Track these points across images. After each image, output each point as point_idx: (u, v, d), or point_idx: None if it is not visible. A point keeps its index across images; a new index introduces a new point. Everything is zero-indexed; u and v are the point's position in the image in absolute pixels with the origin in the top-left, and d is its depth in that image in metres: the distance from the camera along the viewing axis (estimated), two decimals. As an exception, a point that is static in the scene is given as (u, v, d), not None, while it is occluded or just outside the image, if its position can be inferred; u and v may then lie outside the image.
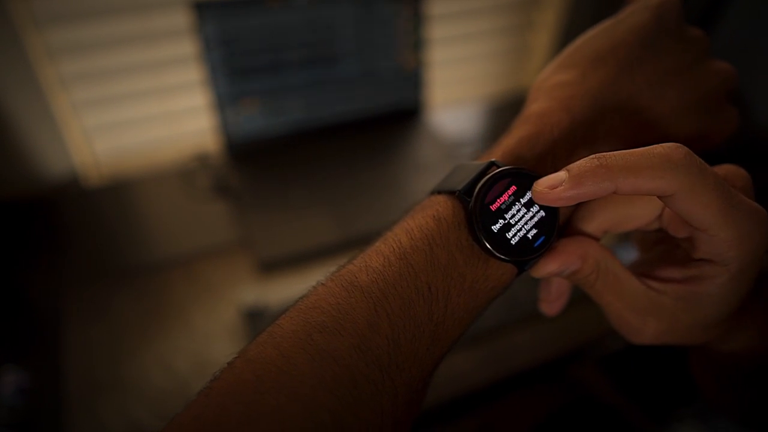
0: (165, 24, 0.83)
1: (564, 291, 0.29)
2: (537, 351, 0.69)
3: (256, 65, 0.87)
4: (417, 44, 0.96)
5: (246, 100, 0.89)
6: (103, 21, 0.80)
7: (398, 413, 0.22)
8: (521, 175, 0.24)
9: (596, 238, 0.26)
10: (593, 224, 0.26)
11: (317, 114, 0.96)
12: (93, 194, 0.87)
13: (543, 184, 0.22)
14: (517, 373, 0.68)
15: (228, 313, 0.70)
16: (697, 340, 0.26)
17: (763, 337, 0.27)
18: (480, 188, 0.23)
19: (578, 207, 0.27)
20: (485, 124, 1.10)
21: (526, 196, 0.24)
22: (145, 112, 0.90)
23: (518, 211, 0.24)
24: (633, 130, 0.27)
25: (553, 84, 0.27)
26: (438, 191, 0.26)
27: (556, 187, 0.21)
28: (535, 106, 0.27)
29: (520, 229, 0.23)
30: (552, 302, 0.29)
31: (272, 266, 0.75)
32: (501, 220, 0.23)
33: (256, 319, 0.68)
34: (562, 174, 0.21)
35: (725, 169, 0.25)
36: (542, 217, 0.24)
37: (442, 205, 0.24)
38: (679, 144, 0.20)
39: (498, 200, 0.23)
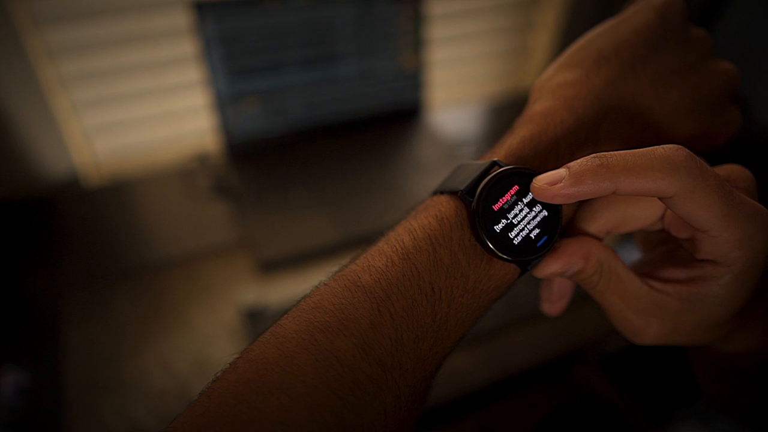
0: (165, 24, 0.83)
1: (566, 291, 0.29)
2: (537, 351, 0.69)
3: (256, 65, 0.87)
4: (417, 44, 0.96)
5: (246, 100, 0.89)
6: (103, 21, 0.80)
7: (401, 413, 0.22)
8: (524, 175, 0.24)
9: (599, 239, 0.26)
10: (596, 225, 0.26)
11: (317, 114, 0.96)
12: (93, 194, 0.87)
13: (543, 180, 0.22)
14: (517, 373, 0.68)
15: (228, 313, 0.70)
16: (699, 340, 0.26)
17: (765, 338, 0.27)
18: (482, 188, 0.23)
19: (580, 207, 0.27)
20: (485, 124, 1.10)
21: (528, 196, 0.24)
22: (145, 112, 0.90)
23: (521, 210, 0.23)
24: (636, 129, 0.26)
25: (556, 83, 0.27)
26: (440, 191, 0.26)
27: (556, 184, 0.21)
28: (538, 106, 0.27)
29: (523, 229, 0.23)
30: (554, 302, 0.29)
31: (272, 266, 0.75)
32: (503, 220, 0.23)
33: (256, 319, 0.67)
34: (562, 171, 0.21)
35: (728, 169, 0.24)
36: (545, 216, 0.24)
37: (444, 205, 0.24)
38: (680, 146, 0.20)
39: (500, 200, 0.23)
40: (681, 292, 0.24)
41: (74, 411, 0.60)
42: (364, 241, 0.25)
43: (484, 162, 0.25)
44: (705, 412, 0.78)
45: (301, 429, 0.19)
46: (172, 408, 0.60)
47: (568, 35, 1.13)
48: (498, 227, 0.23)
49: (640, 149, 0.21)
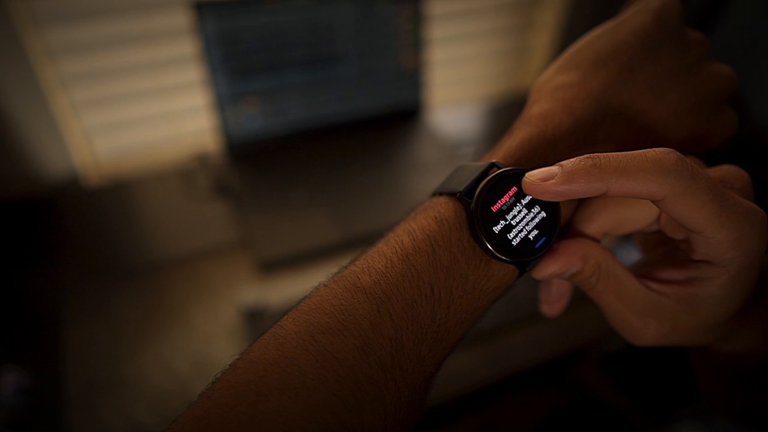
0: (165, 24, 0.83)
1: (564, 292, 0.29)
2: (537, 351, 0.69)
3: (256, 65, 0.87)
4: (417, 44, 0.96)
5: (246, 100, 0.89)
6: (103, 21, 0.80)
7: (401, 414, 0.22)
8: (522, 177, 0.24)
9: (597, 240, 0.26)
10: (593, 226, 0.26)
11: (317, 114, 0.96)
12: (93, 194, 0.87)
13: (534, 175, 0.22)
14: (517, 373, 0.68)
15: (228, 313, 0.70)
16: (698, 341, 0.26)
17: (765, 338, 0.27)
18: (481, 189, 0.23)
19: (578, 209, 0.27)
20: (485, 124, 1.10)
21: (527, 198, 0.24)
22: (145, 112, 0.90)
23: (519, 212, 0.24)
24: (634, 131, 0.27)
25: (554, 85, 0.27)
26: (439, 192, 0.26)
27: (548, 180, 0.22)
28: (536, 108, 0.27)
29: (521, 230, 0.24)
30: (553, 303, 0.29)
31: (272, 266, 0.75)
32: (502, 221, 0.23)
33: (256, 319, 0.68)
34: (554, 168, 0.22)
35: (724, 170, 0.25)
36: (543, 218, 0.24)
37: (443, 206, 0.25)
38: (671, 149, 0.21)
39: (499, 201, 0.23)
40: (678, 293, 0.24)
41: (74, 411, 0.60)
42: (364, 241, 0.25)
43: (483, 163, 0.25)
44: (705, 412, 0.78)
45: (302, 430, 0.19)
46: (172, 408, 0.60)
47: (568, 35, 1.13)
48: (496, 228, 0.23)
49: (633, 152, 0.21)
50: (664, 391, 0.89)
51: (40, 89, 0.79)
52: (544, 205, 0.24)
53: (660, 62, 0.27)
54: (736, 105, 0.29)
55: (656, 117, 0.27)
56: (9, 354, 0.65)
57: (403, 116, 1.03)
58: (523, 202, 0.24)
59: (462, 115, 1.11)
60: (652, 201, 0.21)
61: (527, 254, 0.24)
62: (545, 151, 0.25)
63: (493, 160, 0.25)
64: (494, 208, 0.23)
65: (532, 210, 0.24)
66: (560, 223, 0.24)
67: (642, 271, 0.26)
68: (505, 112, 1.14)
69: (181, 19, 0.83)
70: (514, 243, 0.23)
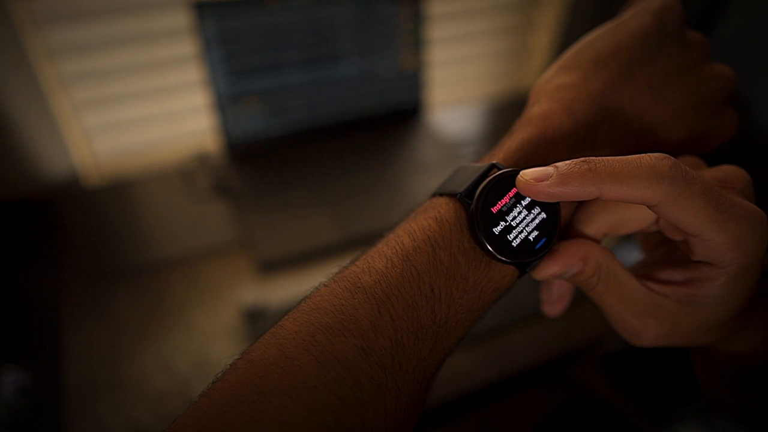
0: (165, 24, 0.83)
1: (565, 293, 0.29)
2: (537, 351, 0.69)
3: (256, 65, 0.87)
4: (417, 44, 0.96)
5: (246, 100, 0.89)
6: (103, 21, 0.80)
7: (401, 414, 0.22)
8: None
9: (597, 241, 0.26)
10: (593, 227, 0.26)
11: (317, 114, 0.96)
12: (93, 194, 0.87)
13: (529, 175, 0.22)
14: (517, 373, 0.68)
15: (228, 313, 0.70)
16: (699, 341, 0.26)
17: (766, 339, 0.27)
18: (481, 191, 0.23)
19: (578, 210, 0.27)
20: (485, 124, 1.10)
21: (527, 199, 0.24)
22: (145, 112, 0.90)
23: (519, 213, 0.24)
24: (634, 132, 0.27)
25: (555, 86, 0.27)
26: (440, 193, 0.26)
27: (542, 181, 0.22)
28: (536, 108, 0.27)
29: (521, 231, 0.24)
30: (554, 304, 0.29)
31: (272, 266, 0.75)
32: (502, 223, 0.23)
33: (256, 319, 0.68)
34: (549, 169, 0.22)
35: (724, 170, 0.25)
36: (543, 219, 0.24)
37: (443, 207, 0.25)
38: (666, 155, 0.21)
39: (499, 203, 0.23)
40: (678, 293, 0.24)
41: (74, 411, 0.60)
42: (364, 241, 0.25)
43: (483, 165, 0.25)
44: (705, 412, 0.78)
45: (302, 430, 0.19)
46: (172, 408, 0.60)
47: (568, 35, 1.13)
48: (497, 229, 0.23)
49: (628, 156, 0.21)
50: (664, 391, 0.89)
51: (40, 89, 0.79)
52: (545, 207, 0.24)
53: (660, 63, 0.27)
54: (736, 105, 0.29)
55: (656, 117, 0.27)
56: (9, 354, 0.65)
57: (403, 116, 1.03)
58: (524, 203, 0.24)
59: (462, 115, 1.11)
60: (647, 206, 0.21)
61: (527, 255, 0.24)
62: (545, 152, 0.25)
63: (494, 161, 0.25)
64: (494, 209, 0.23)
65: (533, 211, 0.24)
66: (560, 224, 0.24)
67: (642, 272, 0.26)
68: (505, 112, 1.14)
69: (181, 19, 0.83)
70: (514, 244, 0.23)
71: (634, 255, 0.31)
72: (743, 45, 0.86)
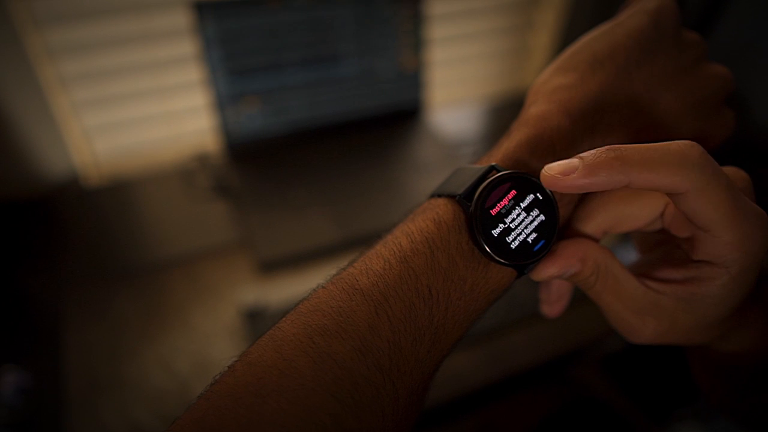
0: (165, 24, 0.83)
1: (564, 293, 0.29)
2: (537, 351, 0.69)
3: (256, 65, 0.87)
4: (417, 44, 0.96)
5: (246, 100, 0.89)
6: (103, 21, 0.80)
7: (399, 416, 0.22)
8: (521, 180, 0.24)
9: (596, 239, 0.26)
10: (592, 224, 0.26)
11: (317, 114, 0.96)
12: (93, 194, 0.87)
13: (555, 169, 0.22)
14: (517, 373, 0.68)
15: (228, 313, 0.70)
16: (696, 340, 0.26)
17: (763, 338, 0.27)
18: (480, 193, 0.23)
19: (577, 207, 0.27)
20: (485, 124, 1.10)
21: (526, 201, 0.24)
22: (145, 112, 0.90)
23: (518, 215, 0.24)
24: (632, 132, 0.27)
25: (552, 87, 0.27)
26: (438, 194, 0.26)
27: (569, 174, 0.21)
28: (534, 109, 0.27)
29: (520, 234, 0.24)
30: (553, 303, 0.29)
31: (272, 266, 0.75)
32: (501, 225, 0.23)
33: (255, 319, 0.68)
34: (575, 161, 0.21)
35: (725, 171, 0.25)
36: (542, 221, 0.24)
37: (442, 208, 0.25)
38: (694, 142, 0.21)
39: (498, 205, 0.23)
40: (678, 292, 0.24)
41: (74, 411, 0.60)
42: (364, 241, 0.25)
43: (482, 166, 0.25)
44: (705, 412, 0.78)
45: None
46: (172, 408, 0.60)
47: (567, 35, 1.13)
48: (495, 232, 0.23)
49: (655, 143, 0.21)
50: (664, 391, 0.89)
51: (40, 89, 0.79)
52: (543, 209, 0.24)
53: (657, 63, 0.27)
54: (735, 105, 0.29)
55: (654, 118, 0.27)
56: (9, 354, 0.65)
57: (403, 116, 1.03)
58: (522, 205, 0.24)
59: (462, 115, 1.11)
60: (670, 195, 0.21)
61: (526, 257, 0.24)
62: (543, 153, 0.25)
63: (492, 163, 0.25)
64: (493, 212, 0.23)
65: (531, 213, 0.24)
66: (559, 226, 0.25)
67: (641, 271, 0.26)
68: (505, 112, 1.14)
69: (181, 19, 0.83)
70: (512, 246, 0.23)
71: (633, 253, 0.31)
72: (742, 45, 0.85)
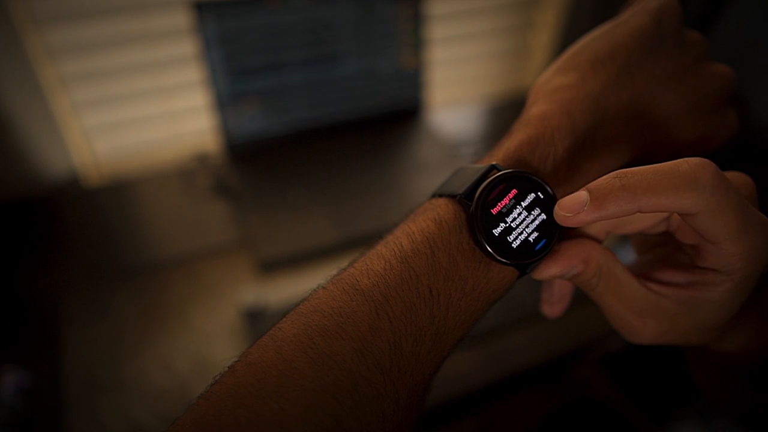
0: (165, 24, 0.83)
1: (566, 293, 0.29)
2: (537, 351, 0.69)
3: (256, 65, 0.87)
4: (417, 44, 0.96)
5: (246, 100, 0.89)
6: (103, 21, 0.80)
7: (399, 416, 0.22)
8: (522, 179, 0.24)
9: (599, 240, 0.26)
10: (596, 225, 0.26)
11: (317, 114, 0.96)
12: (93, 194, 0.87)
13: (565, 208, 0.22)
14: (517, 373, 0.68)
15: (228, 313, 0.70)
16: (695, 341, 0.26)
17: (758, 339, 0.27)
18: (481, 192, 0.23)
19: None
20: (485, 124, 1.10)
21: (527, 200, 0.24)
22: (145, 112, 0.90)
23: (519, 214, 0.24)
24: (634, 133, 0.27)
25: (553, 87, 0.27)
26: (439, 194, 0.26)
27: (579, 212, 0.21)
28: (535, 109, 0.27)
29: (521, 233, 0.23)
30: (554, 304, 0.29)
31: (272, 266, 0.75)
32: (502, 224, 0.23)
33: (255, 319, 0.68)
34: (583, 195, 0.21)
35: (730, 176, 0.24)
36: (543, 220, 0.24)
37: (443, 208, 0.25)
38: (706, 160, 0.20)
39: (499, 204, 0.23)
40: (679, 295, 0.24)
41: (74, 411, 0.60)
42: (364, 241, 0.25)
43: (483, 166, 0.25)
44: (705, 412, 0.78)
45: None
46: (172, 408, 0.60)
47: (568, 35, 1.13)
48: (497, 231, 0.23)
49: (664, 165, 0.20)
50: (664, 391, 0.89)
51: (40, 89, 0.79)
52: (544, 208, 0.24)
53: (659, 63, 0.27)
54: (736, 105, 0.29)
55: (656, 118, 0.27)
56: (9, 354, 0.65)
57: (403, 116, 1.03)
58: (523, 204, 0.24)
59: (462, 115, 1.11)
60: (680, 214, 0.21)
61: (527, 256, 0.24)
62: (544, 153, 0.25)
63: (493, 162, 0.25)
64: (494, 211, 0.23)
65: (532, 212, 0.24)
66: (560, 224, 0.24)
67: (641, 271, 0.26)
68: (505, 112, 1.14)
69: (181, 19, 0.83)
70: (514, 245, 0.23)
71: (634, 255, 0.31)
72: (743, 45, 0.85)
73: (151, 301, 0.71)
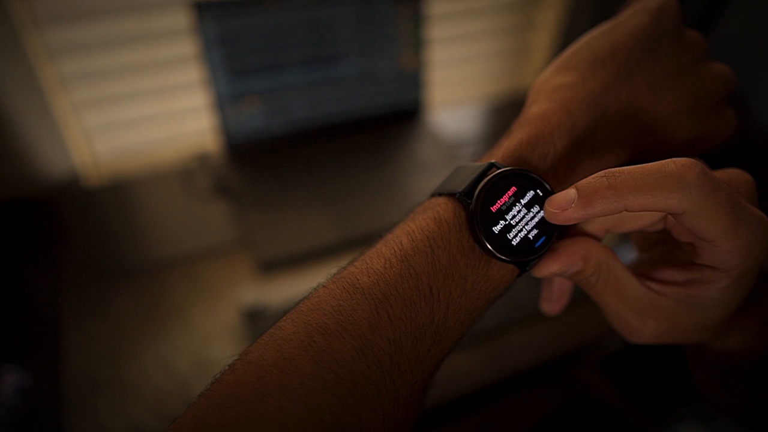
0: (165, 24, 0.83)
1: (566, 291, 0.29)
2: (537, 351, 0.69)
3: (257, 65, 0.87)
4: (417, 44, 0.96)
5: (246, 100, 0.89)
6: (103, 21, 0.80)
7: (399, 415, 0.22)
8: (521, 176, 0.24)
9: (598, 238, 0.26)
10: (595, 224, 0.26)
11: (317, 114, 0.96)
12: (93, 194, 0.87)
13: (553, 204, 0.22)
14: (517, 373, 0.68)
15: (228, 313, 0.70)
16: (694, 340, 0.26)
17: (757, 338, 0.27)
18: (480, 190, 0.23)
19: None
20: (485, 124, 1.10)
21: (526, 197, 0.24)
22: (145, 112, 0.90)
23: (519, 212, 0.24)
24: (633, 132, 0.27)
25: (553, 86, 0.27)
26: (438, 193, 0.26)
27: (566, 208, 0.21)
28: (535, 108, 0.27)
29: (521, 230, 0.24)
30: (554, 302, 0.29)
31: (272, 266, 0.75)
32: (502, 221, 0.23)
33: (255, 319, 0.68)
34: (571, 193, 0.21)
35: (729, 173, 0.25)
36: (543, 217, 0.24)
37: (442, 206, 0.25)
38: (692, 161, 0.20)
39: (498, 201, 0.23)
40: (678, 293, 0.24)
41: (74, 411, 0.60)
42: (364, 241, 0.25)
43: (482, 164, 0.25)
44: (705, 412, 0.78)
45: (301, 431, 0.19)
46: (172, 408, 0.60)
47: (568, 35, 1.13)
48: (496, 228, 0.23)
49: (651, 165, 0.21)
50: (664, 391, 0.89)
51: (40, 89, 0.79)
52: (544, 205, 0.24)
53: (658, 62, 0.27)
54: (736, 105, 0.29)
55: (655, 117, 0.27)
56: (9, 354, 0.65)
57: (403, 116, 1.03)
58: (523, 201, 0.24)
59: (462, 115, 1.11)
60: (669, 214, 0.21)
61: (527, 254, 0.24)
62: (543, 151, 0.25)
63: (492, 161, 0.25)
64: (494, 208, 0.23)
65: (532, 210, 0.24)
66: None
67: (641, 270, 0.26)
68: (505, 112, 1.14)
69: (181, 19, 0.83)
70: (513, 243, 0.23)
71: (634, 253, 0.31)
72: (743, 45, 0.86)
73: (151, 301, 0.71)
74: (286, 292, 0.72)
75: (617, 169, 0.21)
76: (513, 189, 0.24)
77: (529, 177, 0.24)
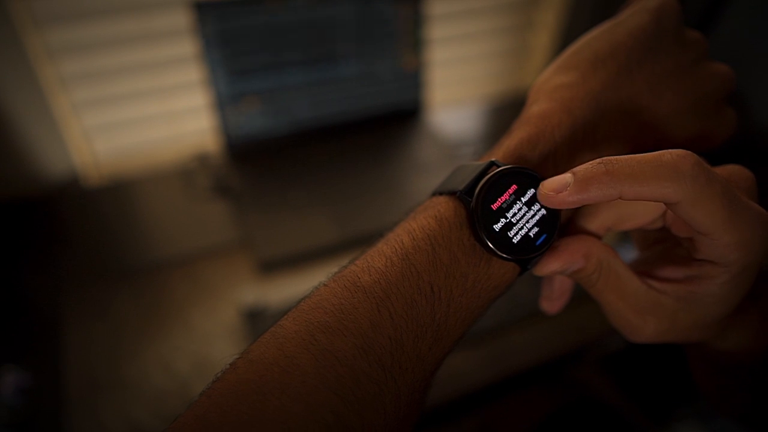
0: (165, 24, 0.83)
1: (566, 289, 0.29)
2: (537, 351, 0.69)
3: (256, 65, 0.87)
4: (417, 44, 0.96)
5: (246, 100, 0.89)
6: (103, 21, 0.80)
7: (401, 413, 0.22)
8: (522, 174, 0.24)
9: (599, 236, 0.26)
10: (596, 222, 0.26)
11: (317, 114, 0.96)
12: (93, 194, 0.87)
13: (548, 186, 0.22)
14: (517, 373, 0.68)
15: (228, 313, 0.70)
16: (695, 338, 0.26)
17: (758, 337, 0.27)
18: (481, 188, 0.23)
19: None
20: (485, 124, 1.10)
21: (526, 195, 0.24)
22: (145, 112, 0.90)
23: (519, 210, 0.24)
24: (633, 131, 0.27)
25: (553, 86, 0.27)
26: (439, 192, 0.26)
27: (561, 191, 0.21)
28: (535, 108, 0.27)
29: (522, 228, 0.24)
30: (554, 300, 0.29)
31: (272, 266, 0.75)
32: (502, 219, 0.23)
33: (255, 319, 0.68)
34: (567, 177, 0.21)
35: (729, 169, 0.25)
36: (543, 215, 0.24)
37: (443, 205, 0.25)
38: (688, 152, 0.20)
39: (499, 199, 0.23)
40: (678, 291, 0.24)
41: (74, 411, 0.60)
42: (364, 241, 0.25)
43: (482, 162, 0.25)
44: (705, 412, 0.78)
45: (302, 429, 0.19)
46: (172, 408, 0.60)
47: (568, 35, 1.13)
48: (497, 226, 0.23)
49: (647, 154, 0.21)
50: (664, 391, 0.89)
51: (40, 89, 0.79)
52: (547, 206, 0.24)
53: (658, 62, 0.27)
54: (736, 105, 0.29)
55: (655, 117, 0.27)
56: (9, 354, 0.65)
57: (403, 116, 1.03)
58: (523, 199, 0.24)
59: (462, 115, 1.11)
60: (665, 203, 0.21)
61: (528, 252, 0.24)
62: (544, 150, 0.25)
63: (492, 159, 0.25)
64: (494, 206, 0.23)
65: (533, 207, 0.24)
66: (561, 220, 0.24)
67: (641, 268, 0.26)
68: (505, 112, 1.14)
69: (181, 19, 0.83)
70: (514, 241, 0.23)
71: (634, 252, 0.31)
72: (743, 45, 0.86)
73: (151, 301, 0.71)
74: (286, 292, 0.72)
75: (615, 157, 0.21)
76: (513, 187, 0.24)
77: (530, 175, 0.24)
